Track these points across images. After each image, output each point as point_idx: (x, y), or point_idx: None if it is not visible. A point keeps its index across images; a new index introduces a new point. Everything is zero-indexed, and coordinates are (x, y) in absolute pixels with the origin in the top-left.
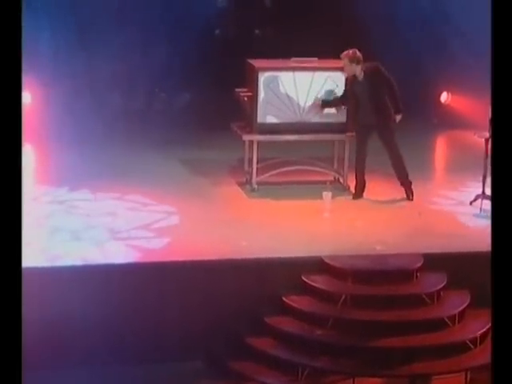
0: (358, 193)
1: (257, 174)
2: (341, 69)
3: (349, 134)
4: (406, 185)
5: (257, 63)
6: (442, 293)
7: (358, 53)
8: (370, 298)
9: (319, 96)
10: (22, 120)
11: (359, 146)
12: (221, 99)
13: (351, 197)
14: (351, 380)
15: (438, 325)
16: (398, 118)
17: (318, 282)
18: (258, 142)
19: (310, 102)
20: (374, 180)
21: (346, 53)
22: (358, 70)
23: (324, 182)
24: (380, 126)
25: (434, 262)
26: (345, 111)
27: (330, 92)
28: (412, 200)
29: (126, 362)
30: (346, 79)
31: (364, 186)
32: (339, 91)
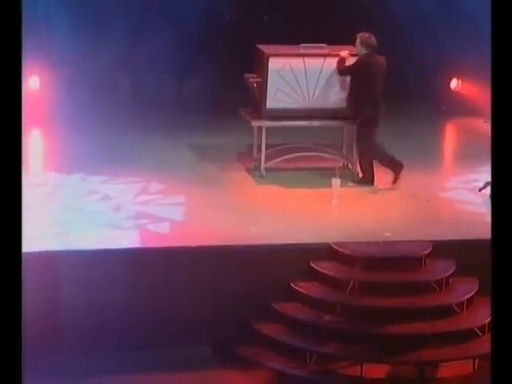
0: (368, 180)
1: (265, 160)
2: (351, 55)
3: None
4: (392, 169)
5: (266, 49)
6: (450, 280)
7: (373, 39)
8: (379, 285)
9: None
10: (22, 105)
11: (364, 137)
12: (230, 85)
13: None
14: (359, 366)
15: (447, 312)
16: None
17: (326, 268)
18: (267, 128)
19: (319, 89)
20: (383, 167)
21: (361, 34)
22: (365, 54)
23: (333, 169)
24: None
25: (442, 249)
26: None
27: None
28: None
29: (132, 347)
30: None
31: (373, 174)
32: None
